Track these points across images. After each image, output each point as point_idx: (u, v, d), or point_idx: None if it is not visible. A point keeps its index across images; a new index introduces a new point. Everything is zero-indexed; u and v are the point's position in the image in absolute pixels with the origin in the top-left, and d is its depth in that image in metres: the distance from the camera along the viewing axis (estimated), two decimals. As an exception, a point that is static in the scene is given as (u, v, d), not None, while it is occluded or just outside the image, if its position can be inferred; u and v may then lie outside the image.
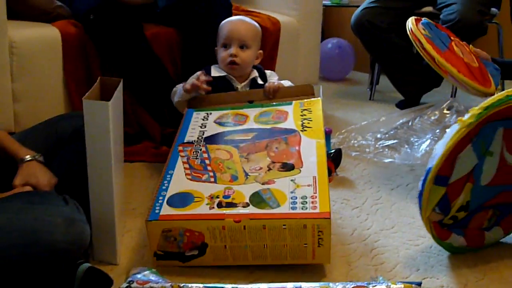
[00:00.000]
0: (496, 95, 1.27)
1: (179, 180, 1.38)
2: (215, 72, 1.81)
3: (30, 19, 1.97)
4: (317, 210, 1.25)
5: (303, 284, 0.96)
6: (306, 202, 1.27)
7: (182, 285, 0.96)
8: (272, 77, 1.90)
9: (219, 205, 1.29)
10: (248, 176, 1.39)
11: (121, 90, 1.36)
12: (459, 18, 2.45)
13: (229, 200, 1.31)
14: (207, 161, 1.45)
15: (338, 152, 1.95)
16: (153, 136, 2.07)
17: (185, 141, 1.53)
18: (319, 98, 1.73)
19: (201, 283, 1.18)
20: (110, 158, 1.21)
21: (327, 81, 3.40)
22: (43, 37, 1.88)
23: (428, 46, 1.73)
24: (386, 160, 2.09)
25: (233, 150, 1.50)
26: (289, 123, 1.60)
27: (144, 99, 2.07)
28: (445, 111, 2.29)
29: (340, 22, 3.66)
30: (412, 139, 2.15)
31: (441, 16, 2.57)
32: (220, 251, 1.28)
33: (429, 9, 2.74)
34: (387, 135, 2.22)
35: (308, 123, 1.59)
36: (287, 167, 1.41)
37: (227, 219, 1.25)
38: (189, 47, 2.06)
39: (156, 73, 2.03)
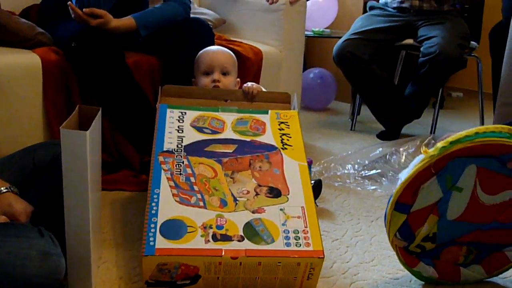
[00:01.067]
0: (465, 131, 1.27)
1: (167, 203, 1.35)
2: None
3: (10, 45, 1.96)
4: (310, 248, 1.29)
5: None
6: (299, 238, 1.31)
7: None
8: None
9: (214, 238, 1.28)
10: (237, 202, 1.39)
11: (100, 119, 1.35)
12: (440, 51, 2.50)
13: (223, 231, 1.30)
14: (192, 179, 1.43)
15: (318, 183, 1.95)
16: (133, 164, 2.05)
17: (164, 149, 1.49)
18: (295, 110, 1.73)
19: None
20: (87, 188, 1.19)
21: (309, 110, 3.43)
22: (24, 63, 1.87)
23: None
24: (371, 188, 2.11)
25: (216, 166, 1.48)
26: (268, 137, 1.60)
27: (124, 127, 2.06)
28: (423, 147, 2.31)
29: (322, 52, 3.71)
30: (389, 173, 2.16)
31: (421, 49, 2.62)
32: (212, 282, 1.29)
33: (410, 41, 2.79)
34: (367, 166, 2.22)
35: (288, 140, 1.60)
36: (274, 193, 1.43)
37: (225, 255, 1.25)
38: (170, 75, 2.06)
39: (136, 101, 2.02)
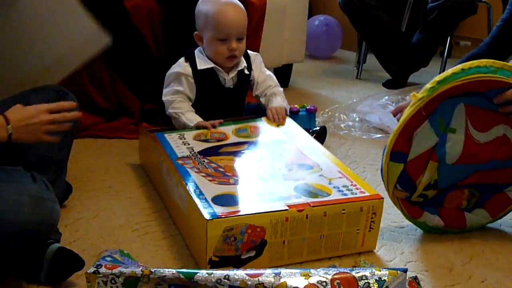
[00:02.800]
0: (451, 69, 1.24)
1: (208, 185, 1.29)
2: (201, 64, 1.69)
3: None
4: (366, 194, 1.28)
5: (282, 270, 0.90)
6: (351, 189, 1.30)
7: (153, 270, 0.91)
8: (257, 61, 1.81)
9: (272, 200, 1.24)
10: (275, 177, 1.36)
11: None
12: (449, -4, 2.41)
13: (276, 195, 1.26)
14: (221, 169, 1.39)
15: (323, 129, 1.92)
16: (132, 112, 2.00)
17: (179, 156, 1.44)
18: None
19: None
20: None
21: (314, 59, 3.35)
22: None
23: None
24: (376, 136, 2.07)
25: (237, 159, 1.46)
26: (273, 135, 1.60)
27: (123, 73, 1.99)
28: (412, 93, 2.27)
29: (327, 0, 3.59)
30: (395, 121, 2.11)
31: (431, -5, 2.53)
32: (277, 249, 1.22)
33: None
34: (371, 116, 2.18)
35: (292, 133, 1.62)
36: (306, 167, 1.41)
37: (291, 209, 1.19)
38: (171, 21, 1.98)
39: (136, 47, 1.96)
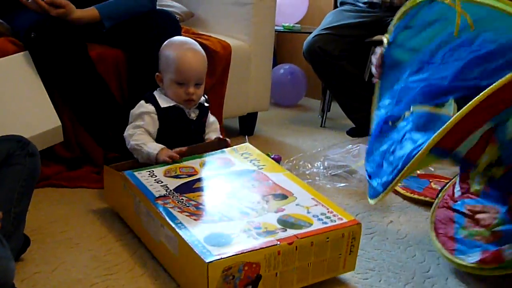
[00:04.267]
0: None
1: (195, 226, 1.30)
2: (162, 102, 1.74)
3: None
4: (345, 220, 1.35)
5: None
6: (330, 217, 1.37)
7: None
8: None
9: (261, 235, 1.28)
10: (256, 210, 1.39)
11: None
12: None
13: (263, 230, 1.30)
14: (202, 206, 1.41)
15: None
16: (95, 160, 1.98)
17: (157, 195, 1.44)
18: (246, 143, 1.79)
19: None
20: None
21: (279, 106, 3.39)
22: (-20, 54, 1.79)
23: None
24: (340, 185, 2.09)
25: (214, 194, 1.50)
26: (241, 166, 1.63)
27: (86, 121, 1.98)
28: None
29: (293, 48, 3.67)
30: (358, 170, 2.15)
31: (391, 45, 2.59)
32: (271, 281, 1.26)
33: (380, 37, 2.76)
34: (336, 164, 2.20)
35: (258, 162, 1.65)
36: (281, 197, 1.46)
37: (282, 243, 1.24)
38: (136, 70, 1.99)
39: (100, 95, 1.95)
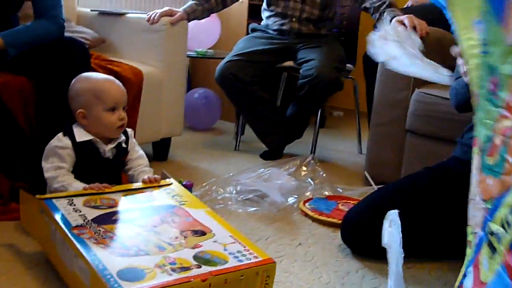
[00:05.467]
0: None
1: (110, 259, 1.28)
2: (79, 136, 1.72)
3: None
4: (260, 259, 1.36)
5: None
6: (246, 255, 1.37)
7: None
8: (132, 139, 1.88)
9: (175, 271, 1.26)
10: (173, 245, 1.38)
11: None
12: (317, 74, 2.58)
13: (178, 266, 1.28)
14: (119, 239, 1.39)
15: None
16: (1, 192, 1.92)
17: (73, 225, 1.41)
18: (170, 179, 1.79)
19: None
20: None
21: (194, 130, 3.41)
22: None
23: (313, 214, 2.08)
24: (251, 209, 2.12)
25: (133, 226, 1.47)
26: (163, 201, 1.63)
27: (-9, 152, 1.93)
28: (303, 167, 2.40)
29: (207, 72, 3.71)
30: (270, 194, 2.20)
31: (300, 71, 2.70)
32: None
33: (290, 63, 2.86)
34: (248, 188, 2.24)
35: (180, 198, 1.66)
36: (199, 233, 1.46)
37: (195, 280, 1.24)
38: (44, 98, 1.95)
39: (4, 124, 1.90)
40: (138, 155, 1.87)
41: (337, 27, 3.10)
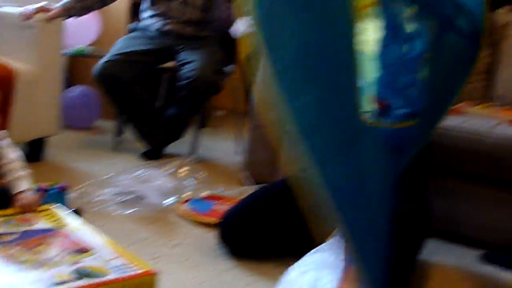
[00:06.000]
0: None
1: None
2: None
3: None
4: (142, 270, 1.37)
5: None
6: (127, 268, 1.37)
7: None
8: (4, 141, 1.78)
9: (53, 285, 1.25)
10: (51, 262, 1.36)
11: None
12: (197, 76, 2.63)
13: (56, 280, 1.26)
14: None
15: (76, 213, 1.91)
16: None
17: None
18: (54, 207, 1.73)
19: None
20: None
21: (73, 129, 3.30)
22: None
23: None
24: (130, 211, 2.11)
25: (8, 248, 1.42)
26: (42, 225, 1.59)
27: None
28: (181, 168, 2.45)
29: (88, 69, 3.60)
30: (148, 194, 2.22)
31: (181, 73, 2.73)
32: None
33: (171, 64, 2.88)
34: (126, 190, 2.24)
35: (61, 221, 1.61)
36: (80, 251, 1.44)
37: None
38: None
39: None
40: (11, 158, 1.75)
41: (218, 29, 3.15)
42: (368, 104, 1.26)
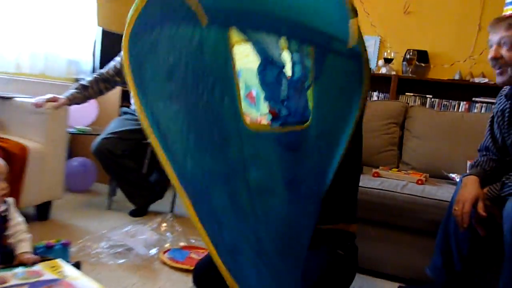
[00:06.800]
0: None
1: None
2: None
3: None
4: None
5: None
6: None
7: None
8: (12, 207, 1.80)
9: None
10: None
11: None
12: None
13: None
14: None
15: (77, 266, 1.91)
16: None
17: None
18: (58, 260, 1.73)
19: None
20: None
21: (73, 192, 3.31)
22: None
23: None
24: (120, 261, 2.11)
25: None
26: (49, 276, 1.58)
27: None
28: (163, 223, 2.46)
29: (86, 144, 3.64)
30: (136, 247, 2.22)
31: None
32: None
33: (154, 139, 2.94)
34: (117, 243, 2.25)
35: (65, 272, 1.61)
36: None
37: None
38: None
39: None
40: (17, 222, 1.77)
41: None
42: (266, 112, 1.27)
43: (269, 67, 1.25)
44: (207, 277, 1.86)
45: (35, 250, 1.81)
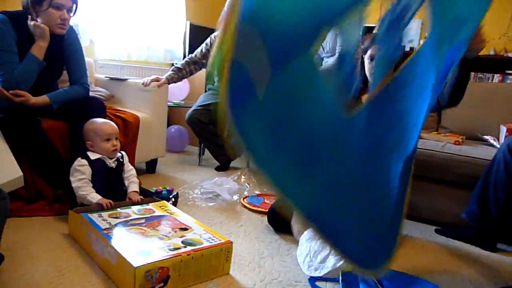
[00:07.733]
0: None
1: (128, 246, 1.35)
2: (92, 156, 1.79)
3: None
4: (223, 241, 1.44)
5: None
6: (214, 239, 1.45)
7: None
8: (126, 157, 1.91)
9: (171, 251, 1.33)
10: (168, 236, 1.45)
11: None
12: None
13: (172, 247, 1.35)
14: (134, 235, 1.46)
15: (177, 195, 2.04)
16: (47, 196, 1.93)
17: (102, 228, 1.48)
18: (163, 201, 1.82)
19: None
20: None
21: (172, 152, 3.43)
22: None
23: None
24: (210, 204, 2.17)
25: (141, 228, 1.53)
26: (159, 213, 1.69)
27: (40, 171, 1.93)
28: (242, 176, 2.47)
29: (180, 115, 3.75)
30: (221, 193, 2.27)
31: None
32: (176, 280, 1.31)
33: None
34: (208, 190, 2.30)
35: (170, 210, 1.71)
36: (184, 229, 1.53)
37: (183, 254, 1.30)
38: (76, 135, 1.98)
39: (49, 153, 1.92)
40: (129, 168, 1.91)
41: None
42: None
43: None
44: (278, 217, 1.90)
45: (149, 194, 1.91)
